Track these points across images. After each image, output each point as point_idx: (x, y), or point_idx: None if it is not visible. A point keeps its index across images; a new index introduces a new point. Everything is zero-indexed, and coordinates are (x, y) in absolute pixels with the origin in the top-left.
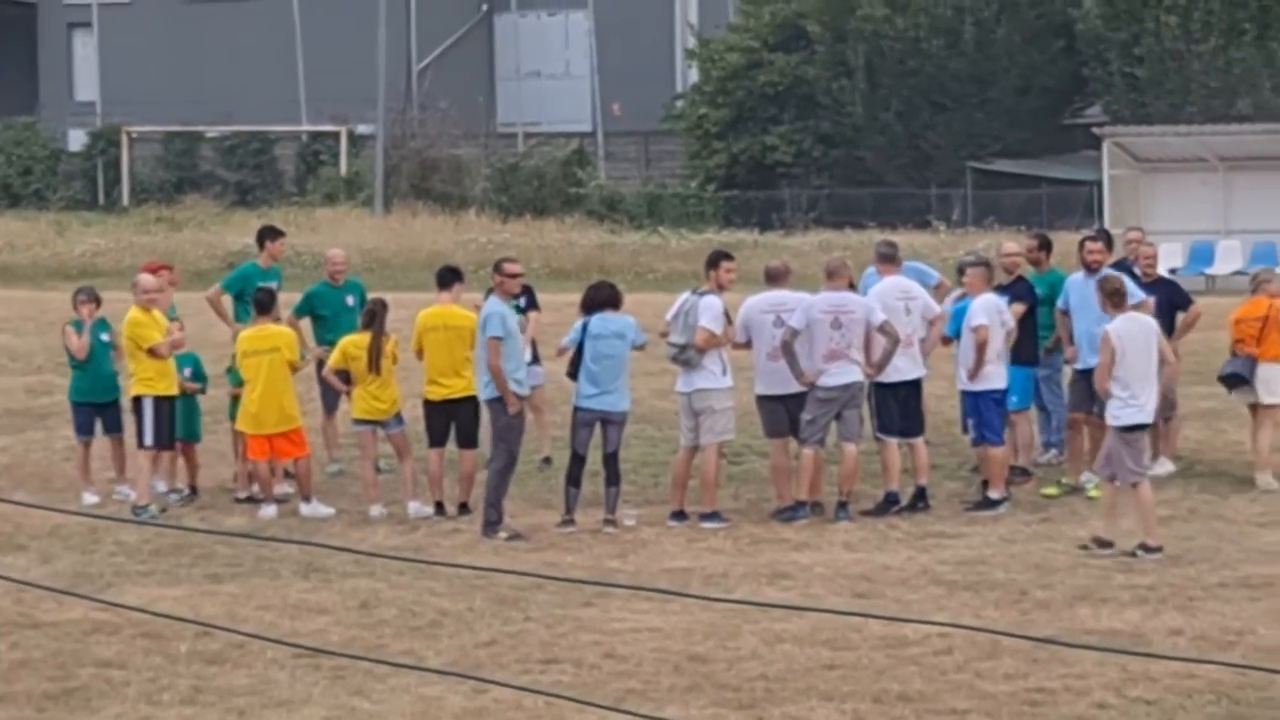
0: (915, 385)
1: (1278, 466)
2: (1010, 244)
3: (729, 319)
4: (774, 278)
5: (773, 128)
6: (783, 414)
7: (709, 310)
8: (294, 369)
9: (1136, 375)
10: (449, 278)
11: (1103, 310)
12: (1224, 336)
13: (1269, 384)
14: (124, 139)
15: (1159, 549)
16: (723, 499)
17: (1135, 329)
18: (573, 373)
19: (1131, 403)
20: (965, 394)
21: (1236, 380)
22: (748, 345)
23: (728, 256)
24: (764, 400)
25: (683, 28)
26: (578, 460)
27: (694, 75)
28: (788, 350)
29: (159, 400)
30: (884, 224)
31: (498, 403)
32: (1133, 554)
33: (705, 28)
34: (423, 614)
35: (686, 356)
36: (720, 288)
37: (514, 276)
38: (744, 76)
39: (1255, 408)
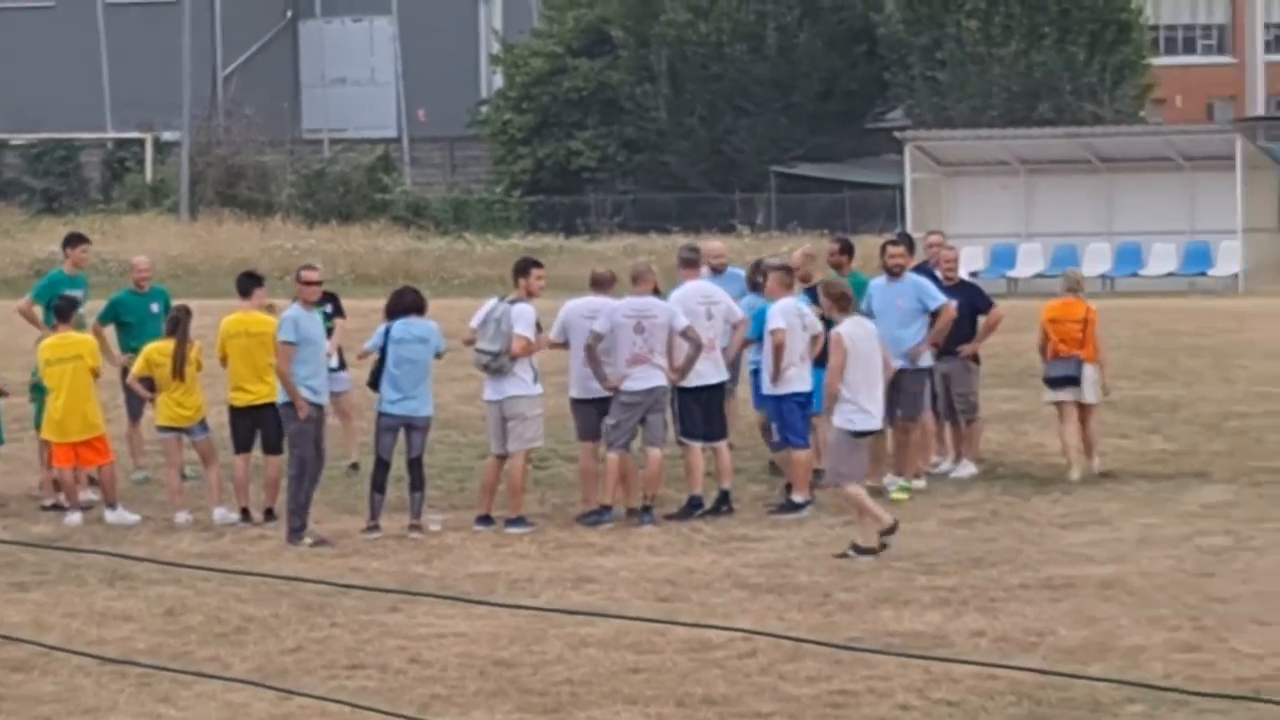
0: (718, 389)
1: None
2: (800, 253)
3: (539, 326)
4: (599, 284)
5: (577, 133)
6: (595, 418)
7: (522, 318)
8: (95, 375)
9: (865, 379)
10: (248, 284)
11: (829, 314)
12: (1027, 339)
13: (1093, 385)
14: None
15: (873, 550)
16: (528, 504)
17: (863, 333)
18: (374, 381)
19: (862, 408)
20: (768, 398)
21: (1068, 381)
22: (564, 345)
23: (537, 264)
24: (578, 403)
25: (487, 34)
26: (382, 465)
27: (499, 81)
28: (591, 355)
29: None
30: (688, 228)
31: (289, 407)
32: (844, 555)
33: (510, 33)
34: (229, 620)
35: (499, 364)
36: (530, 295)
37: (309, 284)
38: (548, 82)
39: (1067, 406)
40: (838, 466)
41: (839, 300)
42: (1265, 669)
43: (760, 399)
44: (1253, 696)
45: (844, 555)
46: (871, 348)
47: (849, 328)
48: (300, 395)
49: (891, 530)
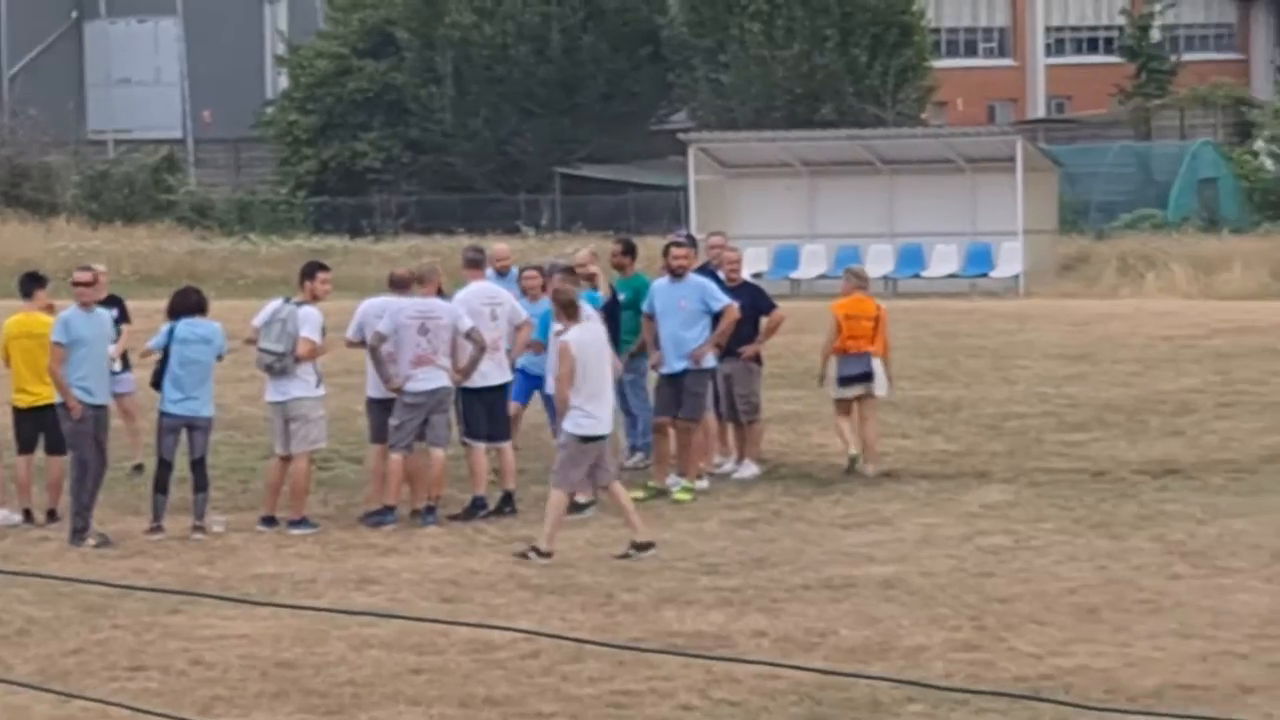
0: (502, 390)
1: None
2: (583, 253)
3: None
4: (397, 284)
5: (362, 134)
6: (388, 418)
7: (309, 321)
8: None
9: (593, 386)
10: (30, 285)
11: (557, 320)
12: (809, 340)
13: (883, 379)
14: None
15: (550, 554)
16: (312, 504)
17: (591, 339)
18: (156, 381)
19: (590, 414)
20: (549, 398)
21: (865, 377)
22: (362, 344)
23: (323, 267)
24: (374, 403)
25: (273, 35)
26: (164, 466)
27: (284, 82)
28: (375, 355)
29: None
30: (473, 230)
31: (65, 408)
32: (524, 555)
33: (295, 34)
34: (10, 622)
35: (283, 365)
36: (315, 298)
37: (79, 285)
38: (333, 83)
39: (853, 402)
40: (563, 471)
41: (566, 308)
42: (1044, 668)
43: (524, 395)
44: (1032, 695)
45: (625, 556)
46: (599, 354)
47: (576, 334)
48: (71, 395)
49: (542, 554)
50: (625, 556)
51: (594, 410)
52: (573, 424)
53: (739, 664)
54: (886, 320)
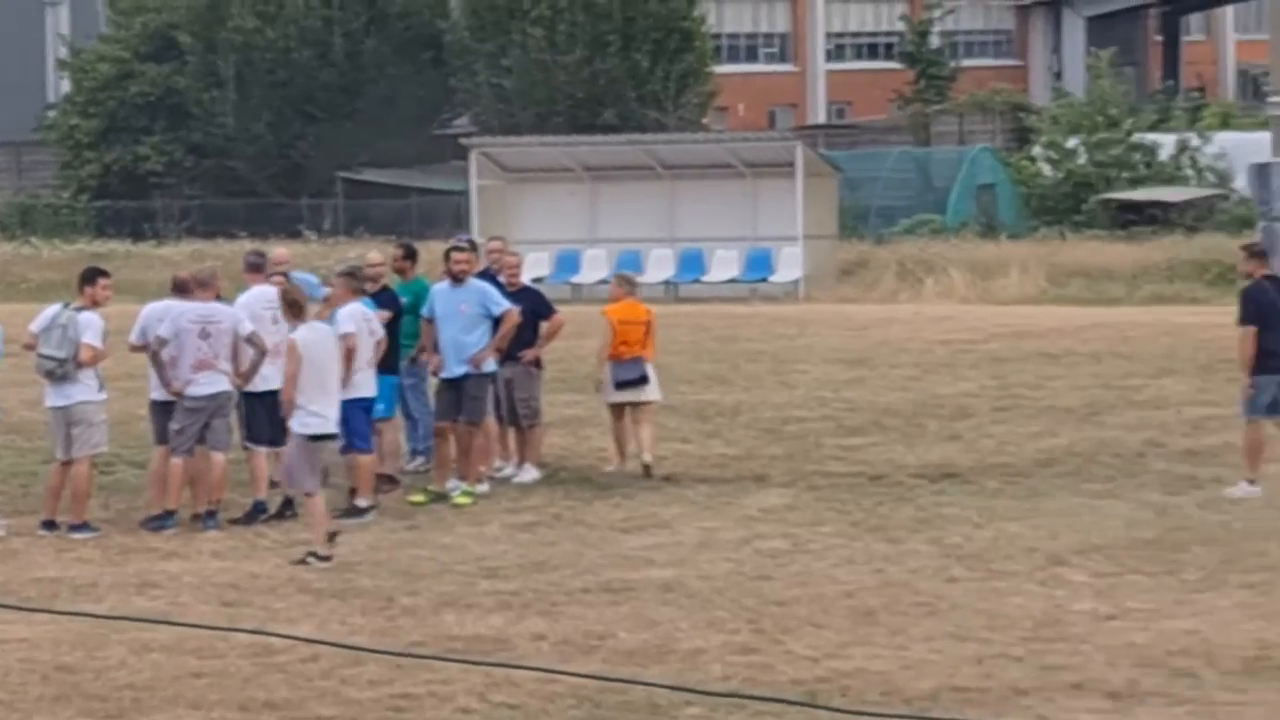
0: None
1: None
2: (374, 254)
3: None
4: (179, 288)
5: (145, 138)
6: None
7: (90, 327)
8: None
9: (319, 384)
10: None
11: (285, 319)
12: (589, 345)
13: (656, 384)
14: None
15: (330, 558)
16: (93, 509)
17: (317, 338)
18: None
19: (317, 413)
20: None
21: (642, 381)
22: (145, 348)
23: (103, 273)
24: (157, 406)
25: (54, 38)
26: None
27: (66, 86)
28: (155, 359)
29: None
30: (256, 234)
31: None
32: (303, 561)
33: (77, 38)
34: None
35: (64, 370)
36: (95, 304)
37: None
38: (116, 87)
39: (626, 407)
40: (295, 473)
41: (292, 307)
42: (820, 671)
43: None
44: (806, 702)
45: (302, 561)
46: (326, 352)
47: (304, 334)
48: None
49: (331, 539)
50: (302, 562)
51: (321, 409)
52: (299, 424)
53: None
54: (656, 325)
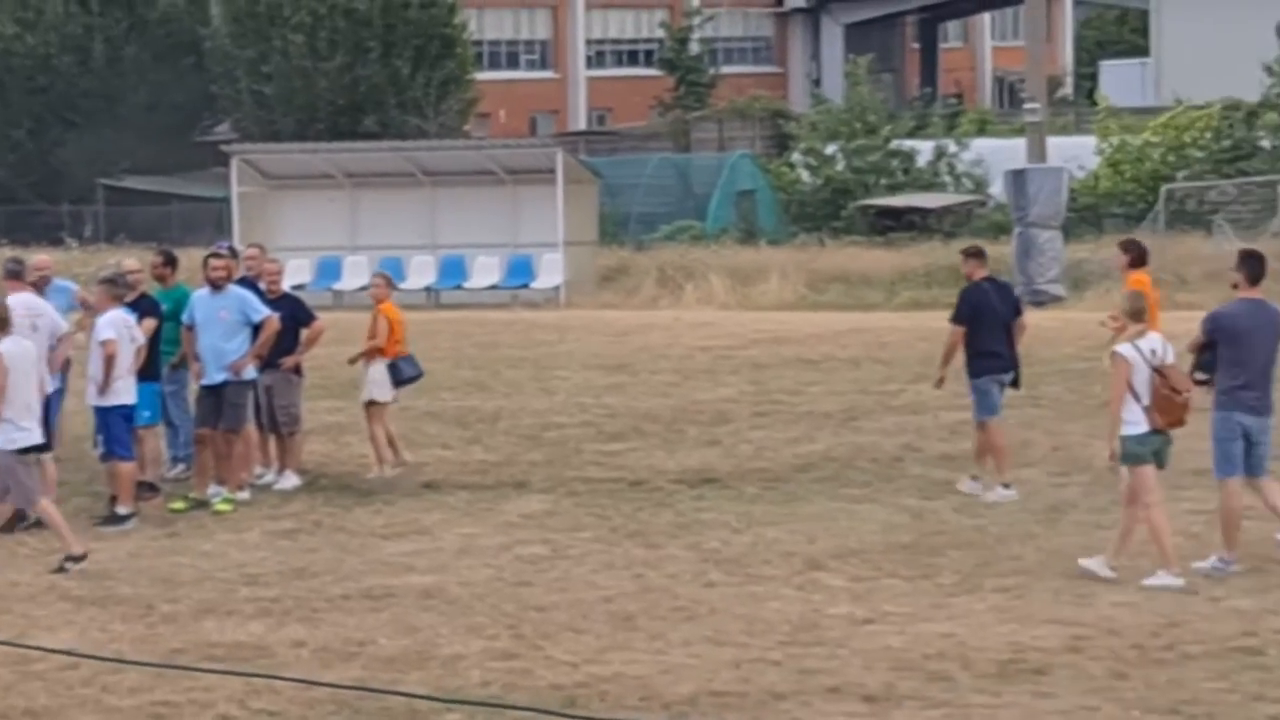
0: (46, 402)
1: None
2: (131, 261)
3: None
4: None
5: None
6: None
7: None
8: None
9: (24, 398)
10: None
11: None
12: (349, 351)
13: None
14: None
15: (83, 557)
16: None
17: (21, 351)
18: None
19: (23, 427)
20: (95, 409)
21: (417, 378)
22: None
23: None
24: None
25: None
26: None
27: None
28: None
29: None
30: (16, 241)
31: None
32: (61, 569)
33: None
34: None
35: None
36: None
37: None
38: None
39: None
40: (19, 490)
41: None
42: (580, 676)
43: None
44: (562, 712)
45: (60, 570)
46: (30, 365)
47: (8, 346)
48: None
49: (80, 559)
50: (60, 570)
51: (25, 423)
52: (6, 439)
53: (278, 674)
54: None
